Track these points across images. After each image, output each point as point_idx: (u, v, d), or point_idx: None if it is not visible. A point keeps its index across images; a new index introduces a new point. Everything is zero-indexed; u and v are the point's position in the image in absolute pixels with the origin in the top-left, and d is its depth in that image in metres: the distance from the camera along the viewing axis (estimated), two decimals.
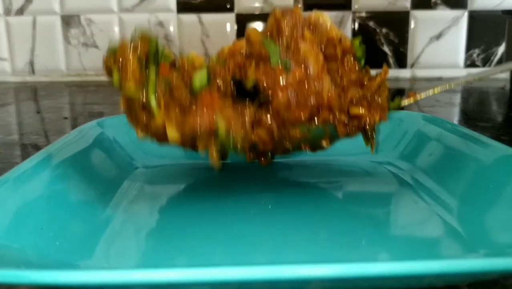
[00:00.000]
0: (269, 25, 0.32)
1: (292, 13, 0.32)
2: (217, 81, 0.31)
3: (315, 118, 0.32)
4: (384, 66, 0.35)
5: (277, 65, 0.30)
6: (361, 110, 0.33)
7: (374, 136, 0.34)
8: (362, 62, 0.33)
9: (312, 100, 0.31)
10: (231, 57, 0.33)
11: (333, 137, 0.34)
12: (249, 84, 0.30)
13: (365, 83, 0.34)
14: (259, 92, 0.31)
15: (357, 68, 0.33)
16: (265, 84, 0.30)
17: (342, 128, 0.33)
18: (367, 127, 0.33)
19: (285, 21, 0.31)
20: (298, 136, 0.32)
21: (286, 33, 0.31)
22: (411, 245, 0.27)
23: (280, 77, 0.30)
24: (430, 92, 0.36)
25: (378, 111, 0.33)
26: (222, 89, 0.31)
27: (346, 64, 0.33)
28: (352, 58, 0.33)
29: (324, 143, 0.34)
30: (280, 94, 0.30)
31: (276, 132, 0.31)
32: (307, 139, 0.33)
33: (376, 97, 0.34)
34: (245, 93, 0.31)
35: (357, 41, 0.33)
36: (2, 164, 0.44)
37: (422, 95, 0.36)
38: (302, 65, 0.31)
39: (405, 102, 0.37)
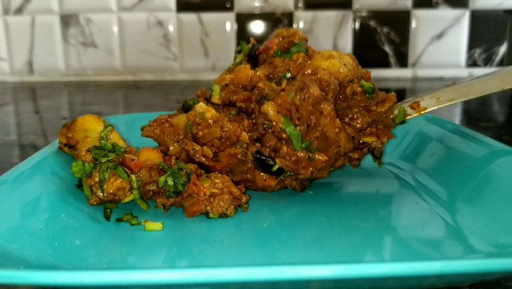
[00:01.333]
0: (286, 103, 0.32)
1: (310, 95, 0.32)
2: (238, 149, 0.33)
3: (333, 165, 0.35)
4: (390, 95, 0.36)
5: (299, 149, 0.32)
6: (372, 139, 0.36)
7: (382, 155, 0.37)
8: (371, 96, 0.35)
9: (332, 159, 0.33)
10: (237, 94, 0.35)
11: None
12: (275, 168, 0.33)
13: (373, 108, 0.36)
14: (283, 170, 0.33)
15: (366, 98, 0.35)
16: (289, 168, 0.33)
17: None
18: (376, 149, 0.36)
19: (304, 107, 0.32)
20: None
21: (306, 117, 0.32)
22: (412, 246, 0.27)
23: (304, 162, 0.32)
24: (435, 107, 0.38)
25: (386, 133, 0.36)
26: (241, 156, 0.33)
27: (355, 99, 0.35)
28: (360, 90, 0.34)
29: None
30: (303, 172, 0.33)
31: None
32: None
33: (383, 119, 0.36)
34: (265, 161, 0.33)
35: (367, 85, 0.34)
36: (1, 164, 0.44)
37: (426, 110, 0.38)
38: (323, 141, 0.32)
39: (409, 116, 0.38)
